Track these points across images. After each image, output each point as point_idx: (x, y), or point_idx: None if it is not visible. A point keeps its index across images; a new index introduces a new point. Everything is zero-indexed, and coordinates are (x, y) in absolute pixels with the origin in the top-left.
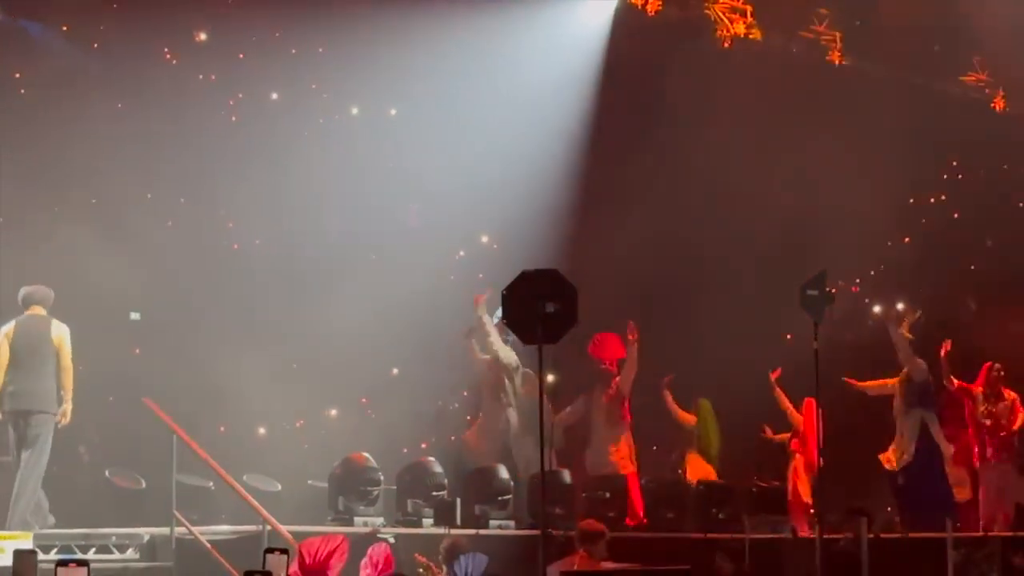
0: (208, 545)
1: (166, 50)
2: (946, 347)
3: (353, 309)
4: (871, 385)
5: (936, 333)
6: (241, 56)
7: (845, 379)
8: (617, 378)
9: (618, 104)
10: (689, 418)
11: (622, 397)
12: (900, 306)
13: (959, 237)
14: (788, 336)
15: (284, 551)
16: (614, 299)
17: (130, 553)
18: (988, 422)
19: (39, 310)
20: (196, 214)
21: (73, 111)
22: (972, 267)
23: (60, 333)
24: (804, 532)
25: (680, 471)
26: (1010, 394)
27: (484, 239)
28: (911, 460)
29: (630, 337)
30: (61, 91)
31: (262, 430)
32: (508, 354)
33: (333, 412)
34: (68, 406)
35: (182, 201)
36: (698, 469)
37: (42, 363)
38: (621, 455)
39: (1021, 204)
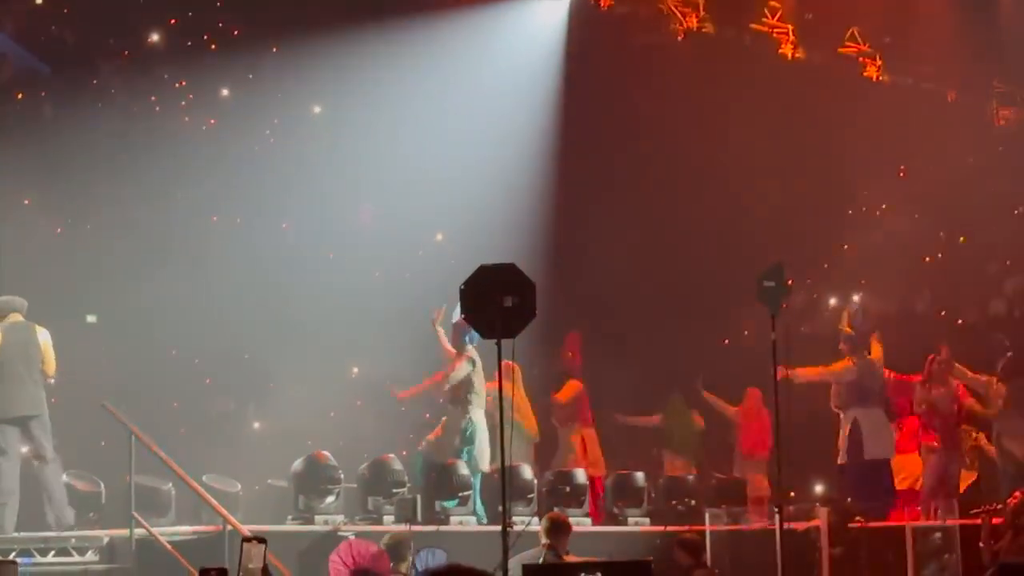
0: (168, 546)
1: (124, 52)
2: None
3: (312, 308)
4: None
5: (892, 324)
6: (196, 56)
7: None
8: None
9: (577, 99)
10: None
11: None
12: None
13: (913, 229)
14: (745, 332)
15: (263, 540)
16: (575, 294)
17: (90, 556)
18: (923, 407)
19: (19, 317)
20: (152, 215)
21: (28, 114)
22: (927, 259)
23: (46, 339)
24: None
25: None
26: (955, 382)
27: (439, 237)
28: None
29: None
30: (16, 95)
31: (221, 430)
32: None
33: (292, 411)
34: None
35: (140, 202)
36: (674, 468)
37: (31, 369)
38: (592, 455)
39: (974, 194)
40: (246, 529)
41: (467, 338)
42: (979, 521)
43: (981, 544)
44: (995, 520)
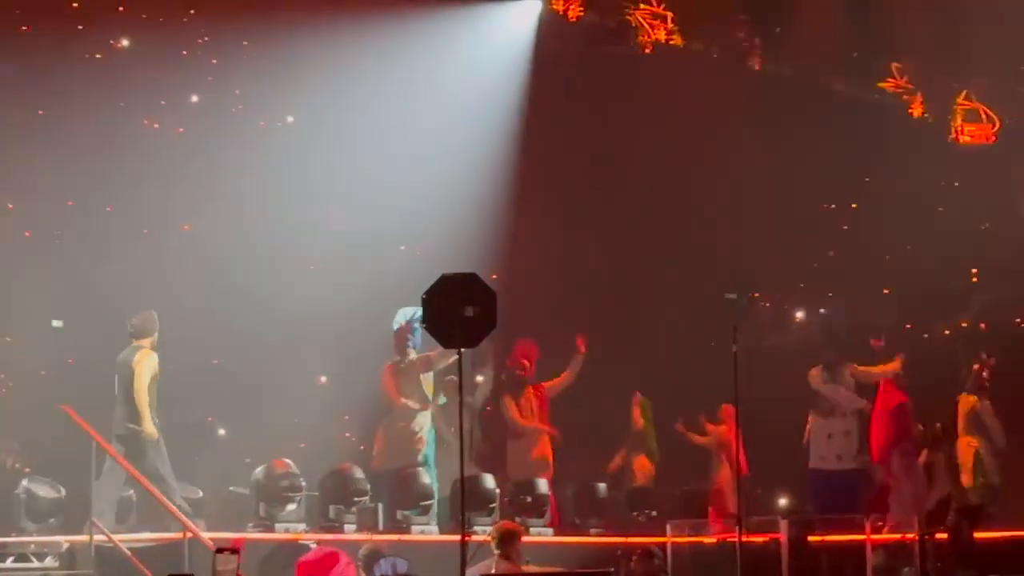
0: (128, 553)
1: (87, 56)
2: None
3: (278, 315)
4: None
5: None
6: (164, 62)
7: None
8: (544, 384)
9: (544, 107)
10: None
11: (543, 402)
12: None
13: (879, 243)
14: (712, 343)
15: (235, 551)
16: (539, 303)
17: (49, 561)
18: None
19: (136, 341)
20: (118, 221)
21: None
22: (893, 272)
23: (138, 359)
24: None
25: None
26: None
27: (402, 248)
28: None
29: (580, 347)
30: None
31: (184, 437)
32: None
33: (257, 419)
34: (148, 425)
35: (107, 209)
36: (644, 472)
37: (126, 391)
38: (539, 460)
39: (941, 209)
40: (207, 537)
41: (411, 344)
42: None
43: (928, 566)
44: (939, 538)
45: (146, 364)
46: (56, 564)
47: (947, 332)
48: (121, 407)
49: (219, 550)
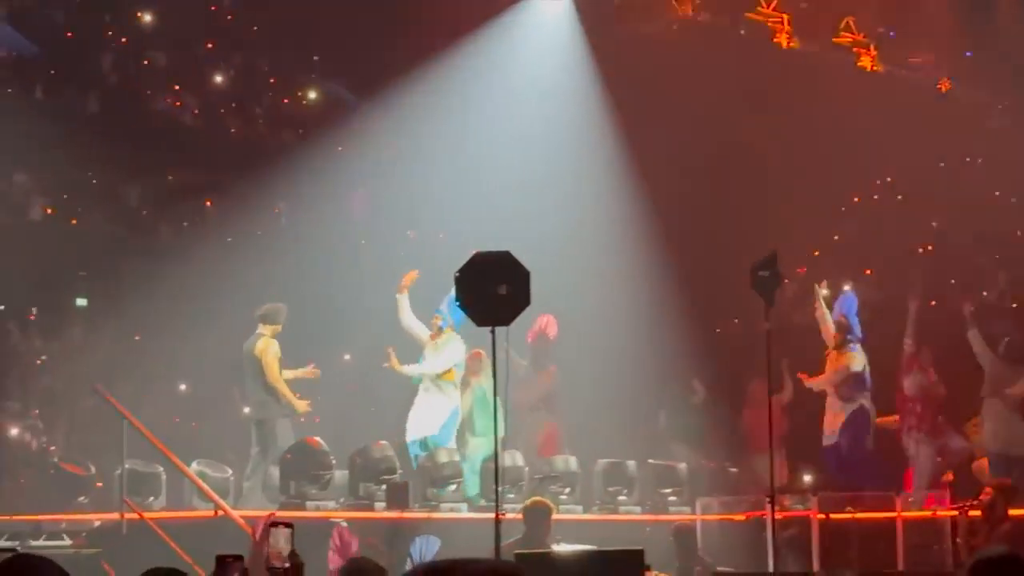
0: (159, 531)
1: (110, 34)
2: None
3: (304, 295)
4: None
5: (884, 314)
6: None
7: (799, 375)
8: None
9: (575, 90)
10: None
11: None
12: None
13: (905, 219)
14: (736, 320)
15: (289, 524)
16: (565, 283)
17: (80, 540)
18: (914, 393)
19: (261, 326)
20: (142, 198)
21: (19, 95)
22: (919, 250)
23: (261, 347)
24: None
25: None
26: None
27: (410, 234)
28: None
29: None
30: (8, 77)
31: (211, 415)
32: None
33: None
34: (296, 403)
35: (129, 187)
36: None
37: (253, 377)
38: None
39: (969, 184)
40: (237, 514)
41: (442, 323)
42: (956, 514)
43: (959, 540)
44: (971, 514)
45: (270, 353)
46: (87, 542)
47: (972, 309)
48: (252, 395)
49: (273, 524)
